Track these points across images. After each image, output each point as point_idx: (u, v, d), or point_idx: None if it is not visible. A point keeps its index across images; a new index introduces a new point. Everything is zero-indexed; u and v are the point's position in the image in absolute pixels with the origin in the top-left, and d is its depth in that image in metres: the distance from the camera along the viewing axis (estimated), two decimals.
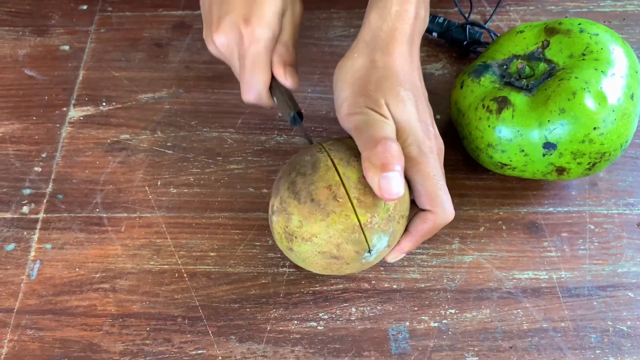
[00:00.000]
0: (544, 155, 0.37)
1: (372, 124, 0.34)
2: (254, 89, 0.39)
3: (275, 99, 0.39)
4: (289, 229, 0.34)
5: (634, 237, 0.41)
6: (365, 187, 0.33)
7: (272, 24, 0.37)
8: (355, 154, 0.34)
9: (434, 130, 0.37)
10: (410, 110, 0.35)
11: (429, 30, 0.50)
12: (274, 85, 0.39)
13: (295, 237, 0.34)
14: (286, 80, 0.38)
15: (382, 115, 0.34)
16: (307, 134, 0.38)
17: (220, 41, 0.38)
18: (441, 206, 0.35)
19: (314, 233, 0.33)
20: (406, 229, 0.36)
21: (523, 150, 0.37)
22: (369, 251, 0.34)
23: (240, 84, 0.39)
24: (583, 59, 0.37)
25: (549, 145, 0.36)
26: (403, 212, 0.35)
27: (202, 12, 0.41)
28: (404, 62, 0.37)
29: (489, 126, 0.38)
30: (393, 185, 0.32)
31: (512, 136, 0.37)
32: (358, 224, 0.33)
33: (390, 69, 0.36)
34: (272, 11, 0.37)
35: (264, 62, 0.38)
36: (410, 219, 0.36)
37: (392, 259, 0.37)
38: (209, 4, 0.39)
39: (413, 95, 0.36)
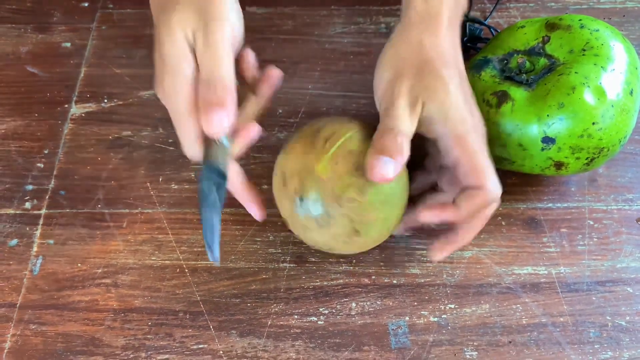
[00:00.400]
0: (542, 149, 0.37)
1: (394, 116, 0.34)
2: (184, 144, 0.36)
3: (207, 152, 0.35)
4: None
5: (633, 232, 0.41)
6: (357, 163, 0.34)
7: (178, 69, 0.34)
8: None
9: (478, 112, 0.37)
10: (454, 91, 0.35)
11: None
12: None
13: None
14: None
15: (410, 108, 0.34)
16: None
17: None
18: (489, 180, 0.35)
19: (287, 163, 0.36)
20: (456, 206, 0.35)
21: (521, 145, 0.37)
22: (301, 199, 0.34)
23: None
24: (583, 55, 0.37)
25: (547, 140, 0.36)
26: (380, 199, 0.35)
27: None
28: (449, 44, 0.37)
29: (488, 120, 0.38)
30: (382, 166, 0.33)
31: (511, 130, 0.37)
32: (313, 168, 0.34)
33: (437, 50, 0.36)
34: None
35: (185, 120, 0.35)
36: (458, 198, 0.35)
37: (437, 252, 0.37)
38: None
39: (458, 77, 0.36)
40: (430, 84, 0.35)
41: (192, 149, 0.35)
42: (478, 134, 0.35)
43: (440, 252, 0.37)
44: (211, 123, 0.33)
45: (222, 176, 0.35)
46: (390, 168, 0.33)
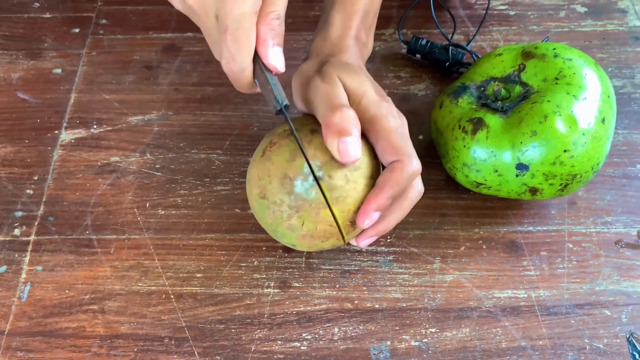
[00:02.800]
0: (517, 175, 0.38)
1: (327, 96, 0.35)
2: (236, 59, 0.33)
3: (256, 81, 0.35)
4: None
5: (611, 255, 0.42)
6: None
7: None
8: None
9: (394, 108, 0.38)
10: (362, 77, 0.37)
11: (412, 52, 0.51)
12: (255, 64, 0.34)
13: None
14: (271, 61, 0.34)
15: (334, 85, 0.36)
16: (292, 128, 0.35)
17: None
18: (407, 155, 0.34)
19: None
20: (378, 187, 0.35)
21: (497, 171, 0.38)
22: (311, 174, 0.35)
23: (218, 46, 0.34)
24: (556, 83, 0.38)
25: (521, 167, 0.37)
26: (362, 174, 0.36)
27: None
28: (356, 58, 0.40)
29: (464, 146, 0.39)
30: (350, 148, 0.34)
31: (486, 156, 0.38)
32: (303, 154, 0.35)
33: (342, 60, 0.39)
34: None
35: (249, 27, 0.33)
36: (378, 178, 0.35)
37: (362, 222, 0.35)
38: None
39: (365, 74, 0.38)
40: (349, 68, 0.37)
41: (247, 66, 0.34)
42: (393, 116, 0.36)
43: (363, 237, 0.37)
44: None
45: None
46: (355, 144, 0.34)
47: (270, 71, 0.35)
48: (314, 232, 0.36)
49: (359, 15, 0.42)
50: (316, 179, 0.35)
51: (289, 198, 0.35)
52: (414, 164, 0.35)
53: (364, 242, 0.37)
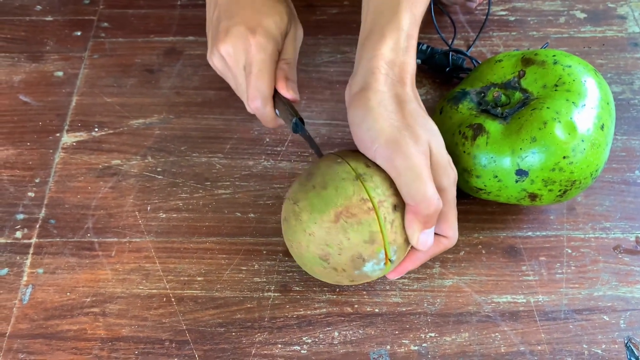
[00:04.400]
0: (516, 181, 0.38)
1: (420, 178, 0.33)
2: (260, 94, 0.41)
3: (277, 110, 0.42)
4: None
5: (609, 260, 0.42)
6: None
7: (276, 37, 0.41)
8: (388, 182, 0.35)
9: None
10: (441, 141, 0.36)
11: None
12: (276, 98, 0.41)
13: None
14: (288, 92, 0.41)
15: (426, 158, 0.34)
16: (312, 141, 0.41)
17: (226, 50, 0.41)
18: (454, 231, 0.37)
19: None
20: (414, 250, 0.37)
21: (497, 176, 0.38)
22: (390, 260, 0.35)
23: (245, 93, 0.41)
24: (556, 90, 0.38)
25: (521, 172, 0.37)
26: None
27: (207, 25, 0.44)
28: (414, 90, 0.38)
29: (464, 152, 0.39)
30: (430, 239, 0.35)
31: (486, 162, 0.38)
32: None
33: (413, 99, 0.37)
34: (277, 26, 0.41)
35: (269, 68, 0.41)
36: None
37: (394, 276, 0.38)
38: (217, 17, 0.42)
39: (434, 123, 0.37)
40: (433, 128, 0.36)
41: (268, 100, 0.41)
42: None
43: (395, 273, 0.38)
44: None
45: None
46: (433, 234, 0.36)
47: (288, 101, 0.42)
48: (346, 283, 0.38)
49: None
50: (387, 261, 0.35)
51: (353, 271, 0.35)
52: (455, 240, 0.38)
53: (393, 276, 0.38)
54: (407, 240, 0.36)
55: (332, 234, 0.34)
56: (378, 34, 0.37)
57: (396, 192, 0.35)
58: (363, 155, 0.36)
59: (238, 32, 0.40)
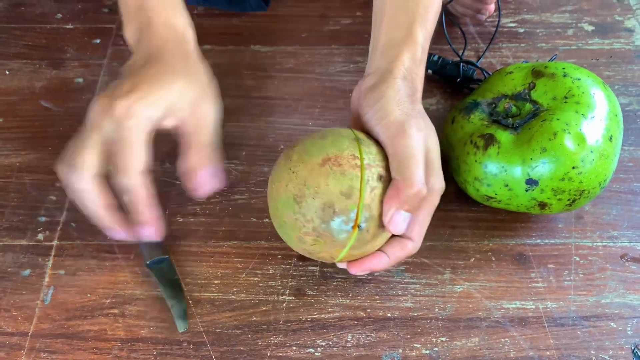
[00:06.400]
0: (526, 190, 0.39)
1: (414, 158, 0.35)
2: (132, 168, 0.35)
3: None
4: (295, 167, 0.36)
5: (617, 269, 0.43)
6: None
7: (159, 106, 0.36)
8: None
9: None
10: (438, 149, 0.38)
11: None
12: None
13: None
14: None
15: (422, 149, 0.36)
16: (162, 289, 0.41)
17: (92, 109, 0.36)
18: (420, 236, 0.38)
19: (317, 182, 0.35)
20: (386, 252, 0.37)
21: (507, 185, 0.39)
22: (359, 226, 0.35)
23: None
24: (565, 102, 0.39)
25: (531, 182, 0.39)
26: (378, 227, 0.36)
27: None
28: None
29: (475, 161, 0.40)
30: (402, 224, 0.35)
31: (497, 171, 0.39)
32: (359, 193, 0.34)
33: (421, 105, 0.39)
34: (165, 95, 0.36)
35: (142, 140, 0.36)
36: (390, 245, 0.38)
37: (355, 271, 0.38)
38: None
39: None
40: (434, 132, 0.38)
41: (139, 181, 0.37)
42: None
43: (355, 267, 0.38)
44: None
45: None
46: (407, 222, 0.36)
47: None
48: (315, 254, 0.37)
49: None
50: (356, 226, 0.35)
51: (320, 224, 0.35)
52: (417, 244, 0.38)
53: (354, 270, 0.38)
54: (380, 221, 0.35)
55: (314, 176, 0.35)
56: (397, 46, 0.39)
57: (386, 168, 0.36)
58: (369, 134, 0.38)
59: (110, 94, 0.36)
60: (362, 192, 0.35)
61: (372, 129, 0.37)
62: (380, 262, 0.37)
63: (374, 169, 0.35)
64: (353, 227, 0.35)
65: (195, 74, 0.40)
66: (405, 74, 0.39)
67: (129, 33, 0.42)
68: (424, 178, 0.35)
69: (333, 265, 0.44)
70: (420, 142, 0.36)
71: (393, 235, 0.38)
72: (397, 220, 0.35)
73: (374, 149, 0.36)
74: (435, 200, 0.37)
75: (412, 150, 0.35)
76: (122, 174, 0.36)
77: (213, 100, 0.40)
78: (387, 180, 0.36)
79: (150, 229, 0.37)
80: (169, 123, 0.38)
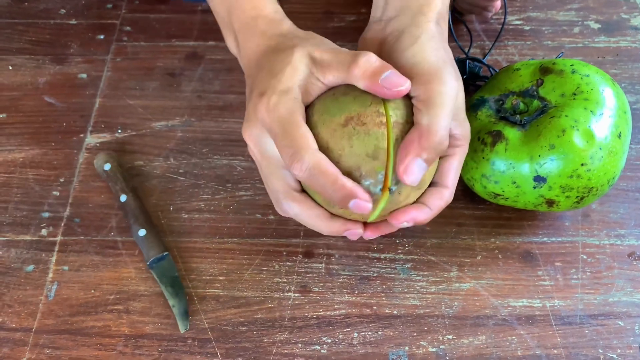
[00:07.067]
0: (534, 187, 0.39)
1: (446, 107, 0.34)
2: (300, 155, 0.33)
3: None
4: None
5: (624, 267, 0.43)
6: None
7: (290, 89, 0.34)
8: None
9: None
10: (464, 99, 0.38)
11: None
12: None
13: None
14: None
15: (456, 96, 0.35)
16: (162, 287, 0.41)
17: (246, 135, 0.36)
18: (454, 182, 0.37)
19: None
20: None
21: (515, 182, 0.39)
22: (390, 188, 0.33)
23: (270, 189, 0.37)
24: (574, 99, 0.39)
25: (539, 179, 0.38)
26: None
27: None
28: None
29: (483, 158, 0.40)
30: (417, 176, 0.33)
31: (504, 168, 0.39)
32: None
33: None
34: (293, 78, 0.34)
35: (299, 118, 0.34)
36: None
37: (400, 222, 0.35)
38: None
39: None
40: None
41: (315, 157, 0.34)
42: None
43: (374, 231, 0.37)
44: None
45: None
46: (421, 174, 0.33)
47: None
48: (347, 216, 0.35)
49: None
50: (385, 188, 0.33)
51: None
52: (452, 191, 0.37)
53: (396, 221, 0.36)
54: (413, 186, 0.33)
55: (337, 138, 0.33)
56: None
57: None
58: None
59: (251, 109, 0.35)
60: (390, 152, 0.33)
61: (405, 74, 0.34)
62: (422, 214, 0.36)
63: (402, 126, 0.33)
64: (382, 190, 0.33)
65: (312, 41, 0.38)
66: (438, 18, 0.38)
67: (230, 43, 0.42)
68: (448, 128, 0.34)
69: (339, 261, 0.43)
70: (454, 90, 0.35)
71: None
72: (413, 168, 0.33)
73: (401, 104, 0.34)
74: (466, 147, 0.37)
75: (446, 97, 0.34)
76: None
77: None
78: None
79: (364, 204, 0.33)
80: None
